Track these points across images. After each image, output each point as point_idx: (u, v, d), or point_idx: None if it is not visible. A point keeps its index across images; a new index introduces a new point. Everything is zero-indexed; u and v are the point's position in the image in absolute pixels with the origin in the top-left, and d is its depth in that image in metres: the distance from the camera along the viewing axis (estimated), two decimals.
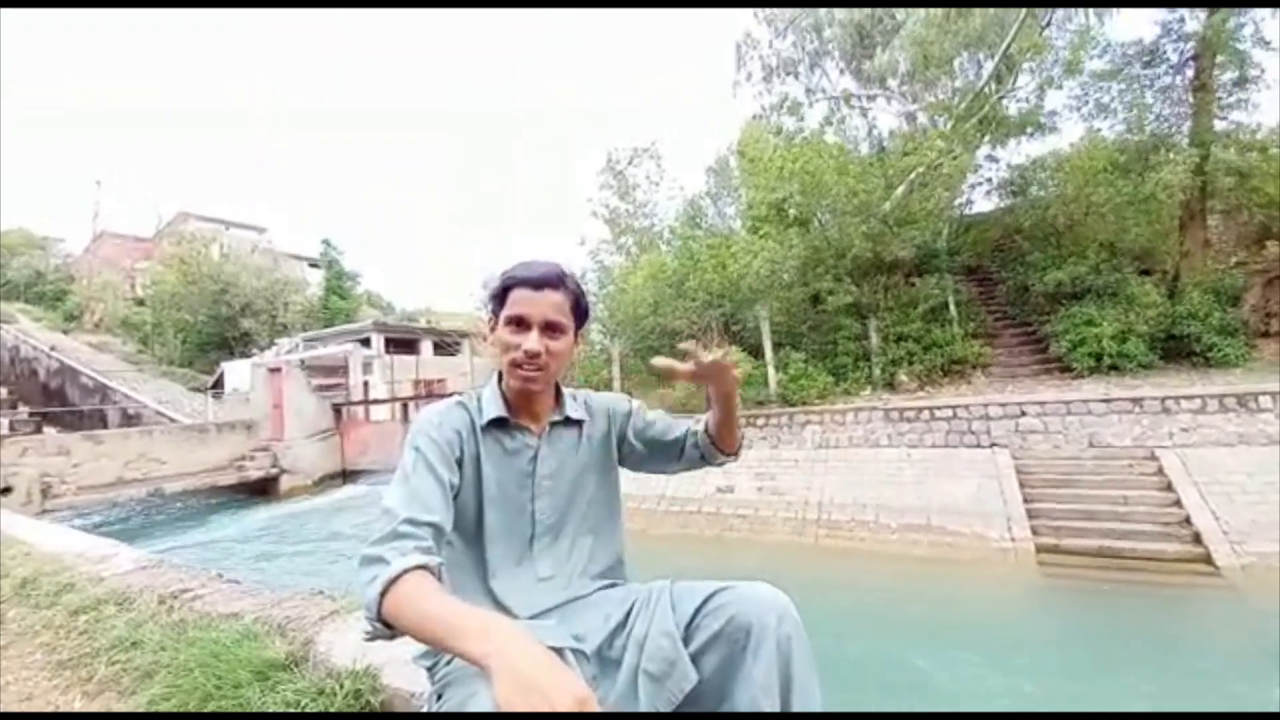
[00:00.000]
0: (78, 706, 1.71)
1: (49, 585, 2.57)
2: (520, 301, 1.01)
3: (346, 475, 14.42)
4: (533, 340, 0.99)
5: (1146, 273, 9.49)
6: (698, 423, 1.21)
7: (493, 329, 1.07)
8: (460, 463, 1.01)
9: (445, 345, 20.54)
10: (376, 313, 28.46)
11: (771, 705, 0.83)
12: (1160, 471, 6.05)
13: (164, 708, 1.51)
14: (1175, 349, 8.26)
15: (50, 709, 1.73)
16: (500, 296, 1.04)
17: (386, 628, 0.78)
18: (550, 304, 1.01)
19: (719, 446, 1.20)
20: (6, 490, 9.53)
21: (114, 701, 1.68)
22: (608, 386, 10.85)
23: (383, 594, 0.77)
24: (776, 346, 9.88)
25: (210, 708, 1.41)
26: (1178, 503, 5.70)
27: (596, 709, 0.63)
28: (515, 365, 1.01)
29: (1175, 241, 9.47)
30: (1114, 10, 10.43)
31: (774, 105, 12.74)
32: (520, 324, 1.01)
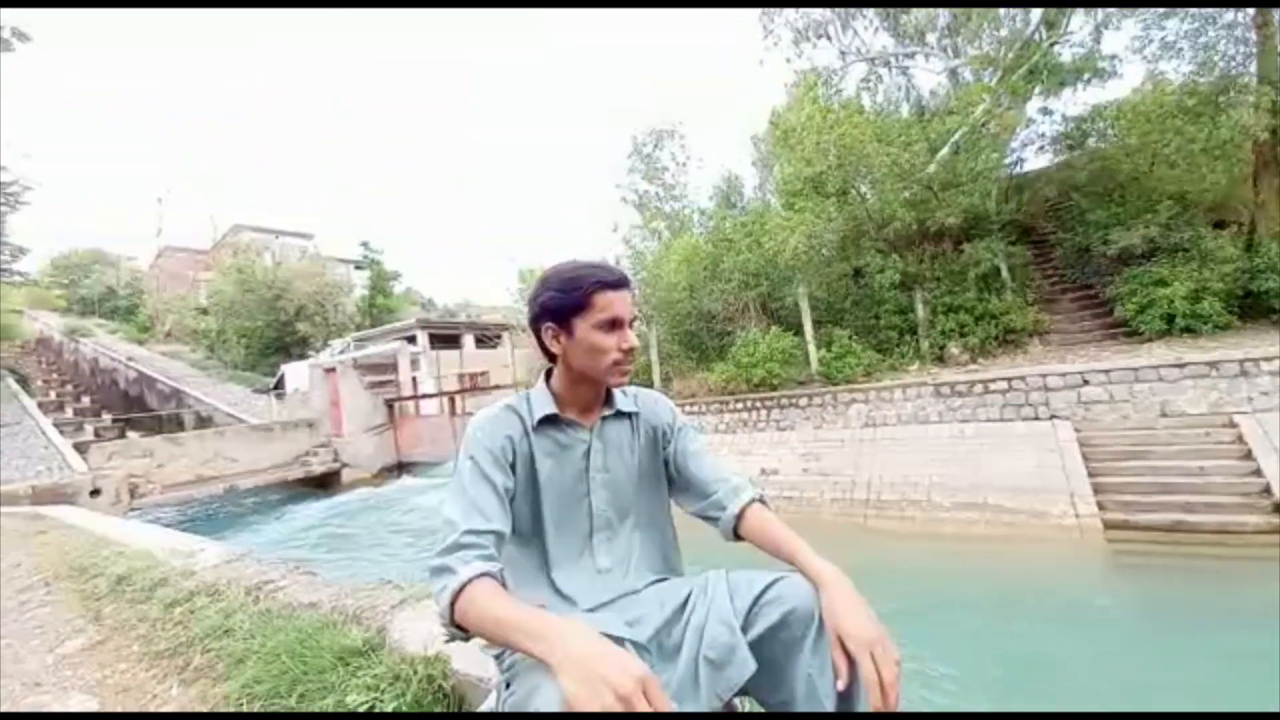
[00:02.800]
0: (174, 694, 1.82)
1: (143, 581, 2.77)
2: (611, 303, 1.04)
3: (402, 467, 15.05)
4: (633, 338, 1.06)
5: (1220, 225, 8.80)
6: (737, 494, 1.10)
7: (557, 335, 1.07)
8: (514, 466, 1.05)
9: (486, 339, 21.01)
10: (419, 310, 29.32)
11: (827, 686, 0.84)
12: (1239, 439, 5.65)
13: (256, 691, 1.62)
14: (1253, 306, 7.65)
15: (148, 697, 1.84)
16: (581, 302, 1.04)
17: (461, 630, 0.84)
18: (630, 300, 1.07)
19: (737, 537, 1.10)
20: (96, 492, 10.26)
21: (209, 687, 1.80)
22: (646, 372, 10.88)
23: (453, 602, 0.83)
24: (817, 324, 9.67)
25: (298, 691, 1.51)
26: (1257, 471, 5.33)
27: (656, 687, 0.67)
28: (616, 364, 1.05)
29: (1250, 190, 8.73)
30: None
31: (806, 74, 12.30)
32: (615, 324, 1.05)
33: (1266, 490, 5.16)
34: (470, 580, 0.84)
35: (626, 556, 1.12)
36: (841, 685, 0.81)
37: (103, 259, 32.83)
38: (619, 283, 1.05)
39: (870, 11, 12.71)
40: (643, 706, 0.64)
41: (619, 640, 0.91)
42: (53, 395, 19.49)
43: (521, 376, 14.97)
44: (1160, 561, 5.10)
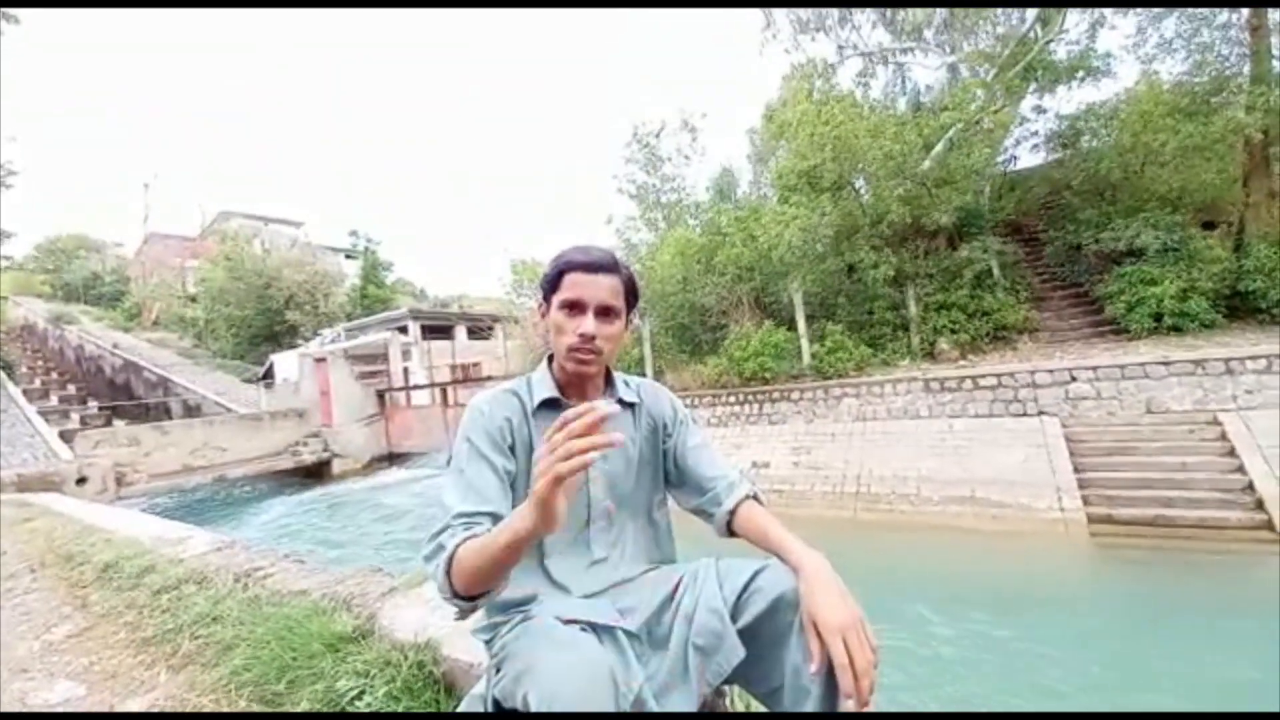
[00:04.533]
0: (162, 680, 1.81)
1: (131, 568, 2.73)
2: (575, 285, 1.01)
3: (393, 458, 14.99)
4: (588, 324, 1.00)
5: (1210, 226, 8.91)
6: (732, 491, 1.10)
7: (544, 314, 1.08)
8: (513, 449, 1.03)
9: (479, 330, 20.89)
10: (411, 300, 29.11)
11: (811, 673, 0.84)
12: (1223, 436, 5.75)
13: (245, 678, 1.62)
14: (1240, 306, 7.77)
15: (136, 684, 1.83)
16: (554, 281, 1.04)
17: (466, 600, 0.84)
18: (605, 288, 1.02)
19: (731, 533, 1.10)
20: (83, 480, 10.12)
21: (198, 674, 1.79)
22: (639, 365, 10.88)
23: (448, 572, 0.83)
24: (810, 319, 9.70)
25: (288, 677, 1.51)
26: (1240, 468, 5.42)
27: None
28: (572, 349, 1.02)
29: (1240, 192, 8.83)
30: None
31: (802, 66, 12.27)
32: (575, 307, 1.01)
33: (1249, 487, 5.26)
34: (459, 545, 0.85)
35: (621, 546, 1.12)
36: (814, 669, 0.80)
37: (88, 244, 32.34)
38: (590, 265, 1.02)
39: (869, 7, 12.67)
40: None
41: (610, 629, 0.91)
42: (38, 383, 19.21)
43: (514, 368, 14.92)
44: (1143, 555, 5.19)
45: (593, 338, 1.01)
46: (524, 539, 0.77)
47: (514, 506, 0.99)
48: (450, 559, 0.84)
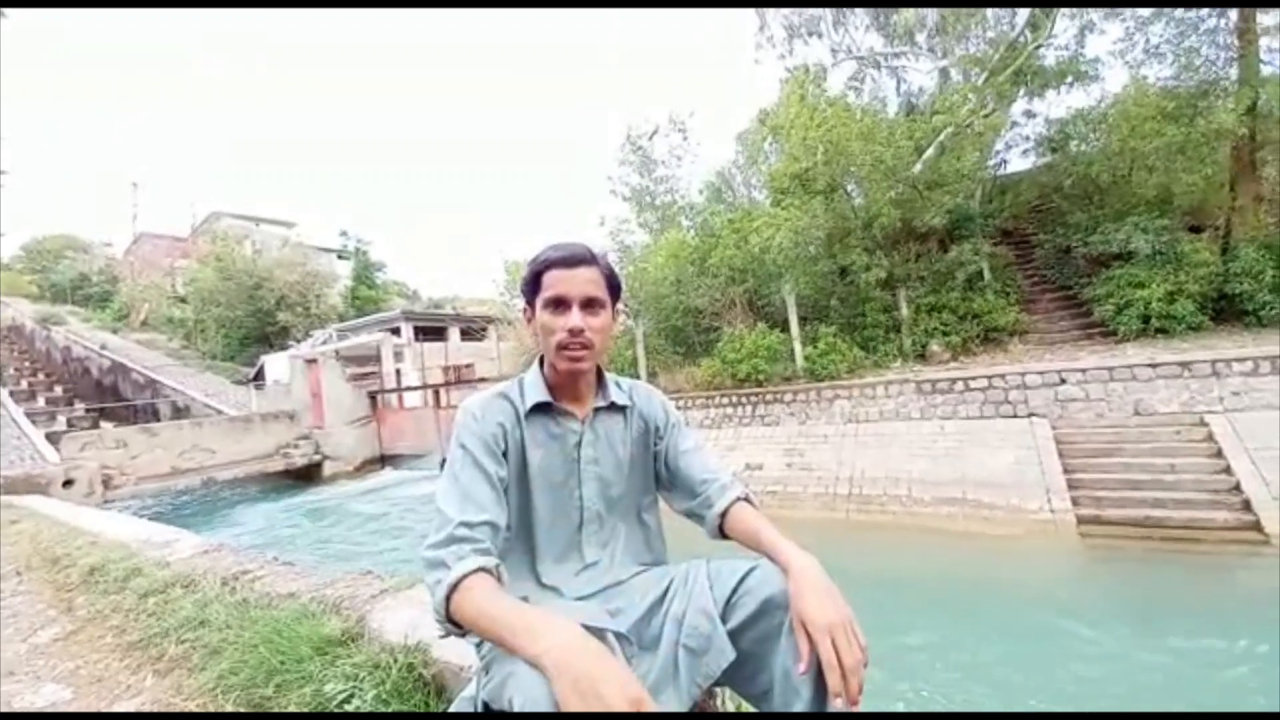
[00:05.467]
0: (149, 684, 1.79)
1: (117, 571, 2.71)
2: (556, 282, 1.01)
3: (385, 460, 14.89)
4: (575, 318, 1.00)
5: (1196, 229, 9.02)
6: (724, 493, 1.09)
7: (530, 317, 1.07)
8: (506, 454, 1.02)
9: (472, 331, 20.82)
10: (404, 301, 28.97)
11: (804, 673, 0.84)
12: (1210, 438, 5.81)
13: (232, 682, 1.60)
14: (1227, 309, 7.88)
15: (122, 688, 1.81)
16: (534, 282, 1.04)
17: (457, 626, 0.83)
18: (586, 280, 1.02)
19: (723, 535, 1.10)
20: (69, 483, 9.98)
21: (184, 678, 1.77)
22: (632, 366, 10.88)
23: (448, 597, 0.81)
24: (803, 321, 9.74)
25: (275, 681, 1.49)
26: (1227, 469, 5.48)
27: (651, 707, 0.65)
28: (561, 347, 1.01)
29: (1227, 195, 8.95)
30: None
31: (796, 70, 12.33)
32: (560, 304, 1.01)
33: (1236, 488, 5.31)
34: (466, 576, 0.82)
35: (612, 548, 1.11)
36: (803, 669, 0.80)
37: (75, 245, 32.01)
38: (568, 260, 1.01)
39: (861, 10, 12.77)
40: None
41: (600, 631, 0.91)
42: (25, 384, 19.00)
43: (508, 369, 14.88)
44: (1132, 556, 5.23)
45: (581, 331, 1.00)
46: (523, 654, 0.72)
47: (506, 512, 0.99)
48: (454, 586, 0.81)
